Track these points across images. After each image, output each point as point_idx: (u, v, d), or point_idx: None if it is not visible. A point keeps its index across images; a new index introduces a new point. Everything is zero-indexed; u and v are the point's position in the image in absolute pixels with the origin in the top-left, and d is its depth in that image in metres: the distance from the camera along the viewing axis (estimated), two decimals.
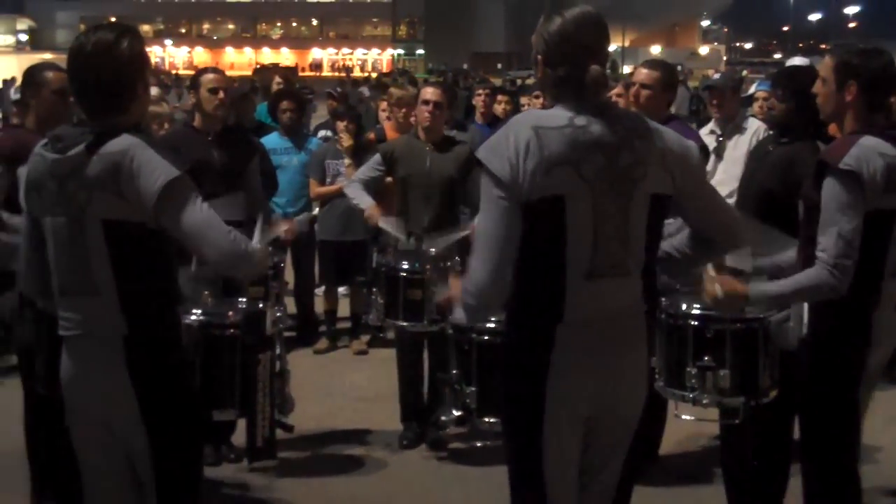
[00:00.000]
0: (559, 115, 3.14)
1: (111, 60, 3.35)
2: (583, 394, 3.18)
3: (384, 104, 9.38)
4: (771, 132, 5.57)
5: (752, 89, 8.61)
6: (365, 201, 6.38)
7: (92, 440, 3.54)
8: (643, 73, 5.71)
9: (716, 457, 5.85)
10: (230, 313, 4.69)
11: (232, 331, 4.61)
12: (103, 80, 3.35)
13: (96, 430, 3.50)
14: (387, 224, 6.23)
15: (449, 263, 5.58)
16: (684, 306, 4.39)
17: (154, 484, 3.49)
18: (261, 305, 5.03)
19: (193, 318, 4.53)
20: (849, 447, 3.94)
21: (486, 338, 4.61)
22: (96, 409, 3.47)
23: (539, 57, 3.24)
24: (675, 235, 3.58)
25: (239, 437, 5.96)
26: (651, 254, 3.29)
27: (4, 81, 29.65)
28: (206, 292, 4.71)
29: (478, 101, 10.39)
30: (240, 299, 4.94)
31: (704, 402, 4.33)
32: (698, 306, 4.35)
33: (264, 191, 6.87)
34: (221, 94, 6.10)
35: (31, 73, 5.07)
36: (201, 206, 3.31)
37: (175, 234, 3.32)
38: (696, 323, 4.32)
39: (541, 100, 8.98)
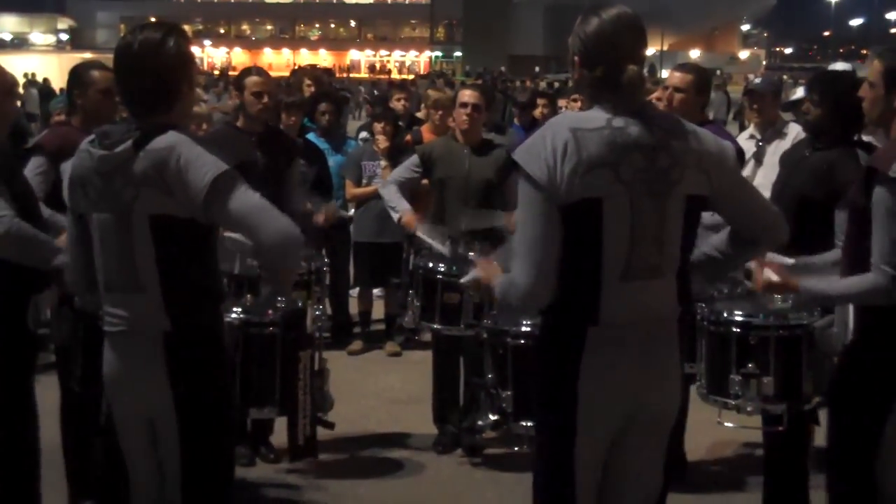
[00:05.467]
0: (597, 117, 3.12)
1: (157, 59, 3.36)
2: (615, 396, 3.16)
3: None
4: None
5: (798, 94, 8.53)
6: (400, 206, 6.33)
7: (134, 435, 3.56)
8: (676, 77, 5.69)
9: (747, 463, 5.83)
10: (270, 311, 4.70)
11: (272, 329, 4.62)
12: (149, 78, 3.36)
13: (138, 425, 3.52)
14: (425, 233, 6.19)
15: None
16: (726, 313, 4.36)
17: (180, 482, 3.49)
18: (300, 304, 5.04)
19: (234, 315, 4.54)
20: (873, 456, 3.87)
21: (521, 342, 4.59)
22: (137, 404, 3.49)
23: (576, 58, 3.22)
24: (711, 232, 3.56)
25: (276, 437, 5.98)
26: (686, 255, 3.27)
27: (45, 80, 29.99)
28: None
29: None
30: (280, 298, 4.94)
31: (748, 409, 4.30)
32: (741, 313, 4.32)
33: (318, 197, 6.88)
34: (266, 99, 6.10)
35: (78, 73, 5.10)
36: (252, 193, 3.30)
37: (227, 224, 3.33)
38: (740, 330, 4.29)
39: (579, 103, 8.95)
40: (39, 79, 30.77)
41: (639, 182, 3.06)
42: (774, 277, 3.86)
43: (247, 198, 3.29)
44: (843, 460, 3.87)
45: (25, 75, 29.98)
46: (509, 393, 4.60)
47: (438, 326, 5.78)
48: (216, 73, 50.43)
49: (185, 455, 3.45)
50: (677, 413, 3.45)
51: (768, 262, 3.96)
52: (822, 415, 4.50)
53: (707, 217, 3.36)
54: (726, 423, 4.58)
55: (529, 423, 4.49)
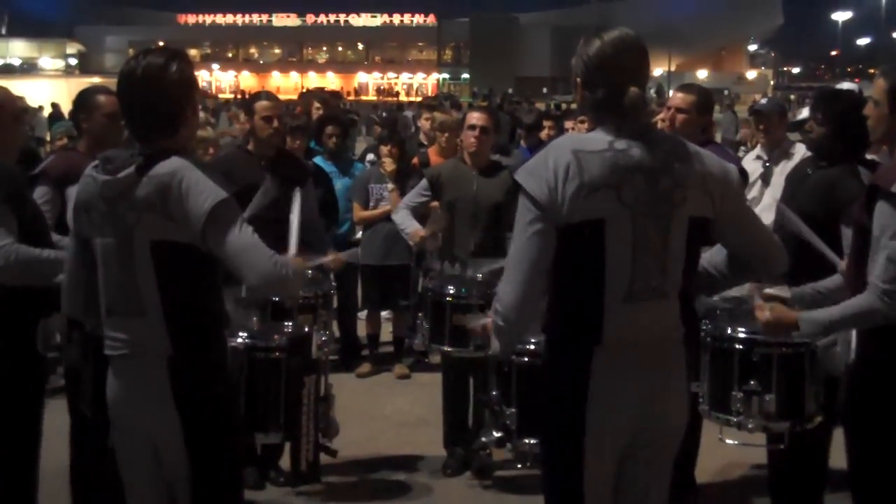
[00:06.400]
0: (599, 139, 3.13)
1: (161, 84, 3.39)
2: (622, 417, 3.16)
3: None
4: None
5: (803, 113, 8.54)
6: (410, 226, 6.36)
7: (135, 459, 3.56)
8: (678, 98, 5.71)
9: (756, 484, 5.80)
10: (275, 336, 4.70)
11: (277, 354, 4.63)
12: (153, 103, 3.39)
13: (141, 450, 3.52)
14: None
15: (495, 290, 5.54)
16: (729, 330, 4.37)
17: None
18: (306, 329, 5.05)
19: (239, 340, 4.55)
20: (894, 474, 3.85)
21: (525, 359, 4.60)
22: (140, 428, 3.49)
23: (578, 79, 3.24)
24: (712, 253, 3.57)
25: (285, 460, 5.97)
26: (688, 276, 3.27)
27: (53, 105, 30.10)
28: (255, 318, 4.75)
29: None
30: (286, 323, 4.95)
31: (750, 426, 4.30)
32: (744, 330, 4.32)
33: (324, 220, 6.91)
34: (276, 123, 6.12)
35: (84, 97, 5.13)
36: (245, 229, 3.33)
37: (219, 255, 3.34)
38: (742, 347, 4.30)
39: (586, 124, 8.96)
40: (48, 103, 30.94)
41: (641, 204, 3.08)
42: (768, 313, 3.84)
43: (239, 235, 3.31)
44: (867, 480, 3.85)
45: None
46: (513, 410, 4.62)
47: (448, 349, 5.77)
48: (236, 96, 50.61)
49: (195, 478, 3.46)
50: (689, 434, 3.45)
51: (766, 294, 3.96)
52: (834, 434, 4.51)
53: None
54: (728, 441, 4.58)
55: (533, 441, 4.50)
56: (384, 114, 20.31)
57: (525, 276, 3.09)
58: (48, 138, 22.49)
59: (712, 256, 3.54)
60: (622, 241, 3.07)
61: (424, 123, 10.40)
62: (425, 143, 9.74)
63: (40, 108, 30.14)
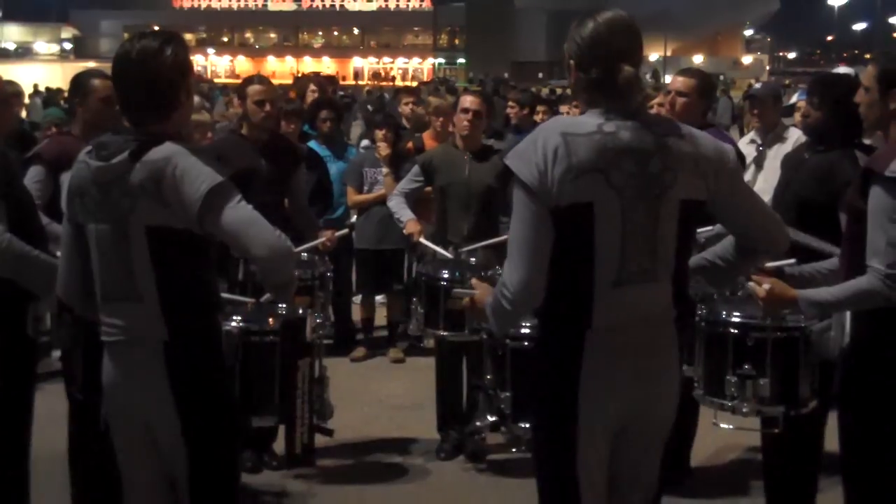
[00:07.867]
0: (588, 122, 3.13)
1: (155, 68, 3.37)
2: (614, 399, 3.17)
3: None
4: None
5: (793, 98, 8.56)
6: (405, 215, 6.36)
7: (132, 445, 3.56)
8: (679, 81, 5.74)
9: (751, 467, 5.82)
10: (270, 320, 4.71)
11: (271, 337, 4.63)
12: (147, 87, 3.37)
13: (136, 435, 3.53)
14: (427, 242, 6.18)
15: (490, 272, 5.56)
16: (724, 314, 4.37)
17: (188, 491, 3.50)
18: (300, 311, 5.06)
19: (233, 324, 4.56)
20: (890, 462, 3.87)
21: (520, 343, 4.61)
22: (136, 414, 3.49)
23: (571, 61, 3.24)
24: (711, 242, 3.56)
25: (280, 444, 5.99)
26: (681, 260, 3.27)
27: (47, 89, 30.04)
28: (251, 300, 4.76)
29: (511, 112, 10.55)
30: (280, 305, 4.96)
31: (744, 410, 4.30)
32: (738, 314, 4.33)
33: (319, 203, 6.91)
34: (268, 107, 6.11)
35: (79, 81, 5.12)
36: (244, 205, 3.31)
37: (221, 236, 3.33)
38: (737, 331, 4.30)
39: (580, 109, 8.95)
40: (42, 87, 30.87)
41: (630, 187, 3.08)
42: (766, 286, 3.85)
43: (238, 211, 3.29)
44: (859, 463, 3.86)
45: None
46: (508, 394, 4.63)
47: (443, 333, 5.78)
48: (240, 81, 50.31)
49: (192, 463, 3.47)
50: (686, 418, 3.45)
51: (768, 268, 3.97)
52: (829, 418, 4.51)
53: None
54: (722, 425, 4.58)
55: (528, 425, 4.51)
56: (386, 96, 20.21)
57: (528, 259, 3.09)
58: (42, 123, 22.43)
59: (715, 248, 3.55)
60: (611, 225, 3.07)
61: (405, 109, 10.40)
62: (407, 126, 9.74)
63: (35, 91, 30.09)
